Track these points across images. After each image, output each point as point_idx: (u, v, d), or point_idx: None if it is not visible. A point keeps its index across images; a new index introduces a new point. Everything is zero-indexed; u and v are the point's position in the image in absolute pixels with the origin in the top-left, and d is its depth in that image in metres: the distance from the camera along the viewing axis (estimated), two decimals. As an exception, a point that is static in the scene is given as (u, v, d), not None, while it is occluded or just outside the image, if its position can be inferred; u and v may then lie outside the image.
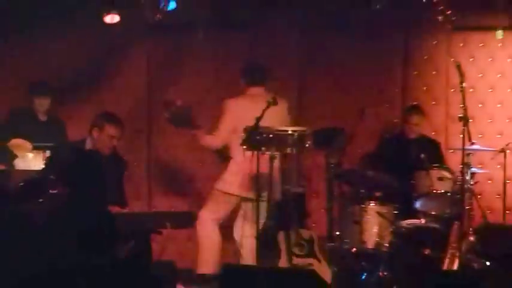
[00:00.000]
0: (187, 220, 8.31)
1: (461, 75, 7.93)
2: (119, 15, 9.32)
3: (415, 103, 9.95)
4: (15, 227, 6.48)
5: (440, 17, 9.14)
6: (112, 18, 9.31)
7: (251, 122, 8.06)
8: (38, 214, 7.01)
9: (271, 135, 8.59)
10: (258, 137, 8.54)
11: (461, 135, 8.06)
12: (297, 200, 9.17)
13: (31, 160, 8.55)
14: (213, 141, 8.91)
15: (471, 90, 9.55)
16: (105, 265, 6.72)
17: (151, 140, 10.25)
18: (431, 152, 9.41)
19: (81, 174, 7.48)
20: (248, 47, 10.32)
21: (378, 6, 9.43)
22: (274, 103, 8.26)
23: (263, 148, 8.58)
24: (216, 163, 9.76)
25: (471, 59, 9.94)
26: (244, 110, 8.63)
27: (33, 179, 7.43)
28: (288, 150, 8.67)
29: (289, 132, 8.63)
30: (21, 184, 7.22)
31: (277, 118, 8.54)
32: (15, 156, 8.57)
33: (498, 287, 7.37)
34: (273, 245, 8.79)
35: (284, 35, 10.29)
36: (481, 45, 10.13)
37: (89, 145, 8.21)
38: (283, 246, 8.69)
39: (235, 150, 8.80)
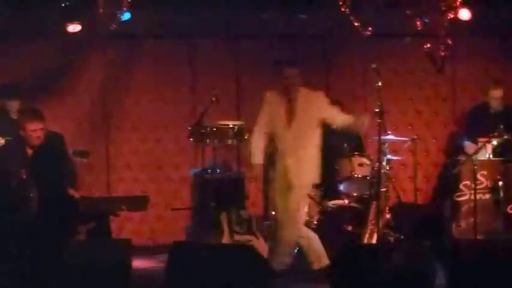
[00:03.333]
0: (141, 203, 8.33)
1: (377, 76, 8.00)
2: (80, 24, 9.18)
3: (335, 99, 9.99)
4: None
5: (357, 24, 9.17)
6: (74, 28, 9.18)
7: None
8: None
9: (214, 129, 8.66)
10: (202, 131, 8.61)
11: (378, 127, 8.14)
12: (237, 184, 9.25)
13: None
14: None
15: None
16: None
17: (109, 134, 10.12)
18: (353, 141, 9.48)
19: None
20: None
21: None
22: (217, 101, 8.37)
23: (207, 140, 8.65)
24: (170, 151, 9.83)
25: (385, 61, 9.94)
26: None
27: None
28: (229, 141, 8.72)
29: (230, 126, 8.71)
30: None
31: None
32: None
33: (410, 255, 7.47)
34: (216, 223, 8.82)
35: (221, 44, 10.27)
36: (393, 49, 10.15)
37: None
38: (225, 225, 8.71)
39: None
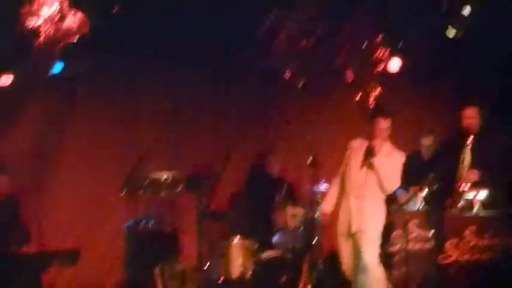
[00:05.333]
0: (72, 258, 8.23)
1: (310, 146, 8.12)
2: (14, 74, 9.08)
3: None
4: None
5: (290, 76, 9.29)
6: (7, 78, 9.08)
7: None
8: None
9: (147, 181, 8.65)
10: (135, 183, 8.60)
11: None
12: (171, 237, 9.21)
13: None
14: None
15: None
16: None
17: (41, 184, 9.97)
18: (286, 192, 9.51)
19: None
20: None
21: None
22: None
23: (141, 192, 8.63)
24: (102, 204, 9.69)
25: (319, 112, 10.07)
26: None
27: None
28: (163, 193, 8.70)
29: (164, 177, 8.70)
30: None
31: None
32: None
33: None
34: (150, 277, 8.75)
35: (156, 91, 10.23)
36: (326, 100, 10.22)
37: None
38: (158, 278, 8.63)
39: None
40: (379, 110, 8.28)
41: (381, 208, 8.17)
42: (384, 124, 8.14)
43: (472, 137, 8.36)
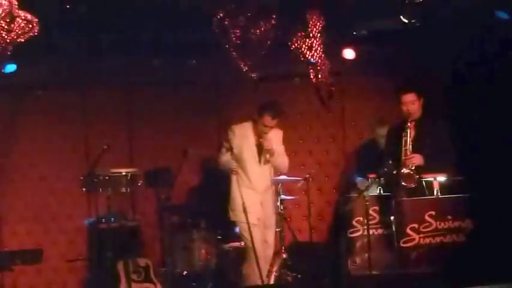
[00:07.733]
0: (36, 257, 8.14)
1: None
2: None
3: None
4: None
5: (245, 69, 9.22)
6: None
7: None
8: None
9: (107, 177, 8.61)
10: (95, 179, 8.56)
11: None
12: (133, 232, 9.16)
13: None
14: None
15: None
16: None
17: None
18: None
19: None
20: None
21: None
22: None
23: (101, 189, 8.61)
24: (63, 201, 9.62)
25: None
26: None
27: None
28: (123, 189, 8.68)
29: (123, 173, 8.68)
30: None
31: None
32: None
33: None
34: (114, 273, 8.69)
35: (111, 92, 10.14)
36: (283, 90, 10.19)
37: None
38: (122, 274, 8.59)
39: None
40: (269, 107, 8.53)
41: None
42: (269, 122, 8.51)
43: (410, 122, 8.36)
